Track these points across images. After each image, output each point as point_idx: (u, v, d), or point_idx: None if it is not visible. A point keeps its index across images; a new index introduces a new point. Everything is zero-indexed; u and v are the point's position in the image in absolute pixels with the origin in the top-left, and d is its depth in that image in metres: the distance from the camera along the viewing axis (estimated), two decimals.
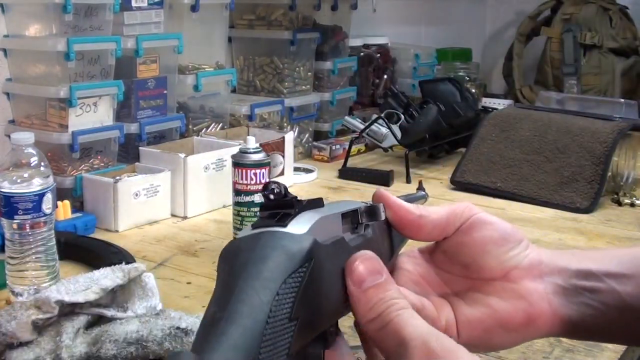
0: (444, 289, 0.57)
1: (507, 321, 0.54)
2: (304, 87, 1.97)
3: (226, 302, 0.39)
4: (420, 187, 0.79)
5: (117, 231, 1.35)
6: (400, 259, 0.58)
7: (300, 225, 0.43)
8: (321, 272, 0.43)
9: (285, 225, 0.43)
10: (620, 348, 0.90)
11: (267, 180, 0.46)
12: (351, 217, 0.51)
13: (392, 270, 0.56)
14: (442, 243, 0.57)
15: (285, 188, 0.44)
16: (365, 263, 0.46)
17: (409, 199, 0.71)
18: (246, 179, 1.25)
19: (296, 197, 0.45)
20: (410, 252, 0.59)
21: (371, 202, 0.55)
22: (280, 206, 0.44)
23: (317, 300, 0.42)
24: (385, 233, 0.56)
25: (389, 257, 0.56)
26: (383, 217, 0.53)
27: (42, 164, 1.03)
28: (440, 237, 0.56)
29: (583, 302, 0.55)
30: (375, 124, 1.81)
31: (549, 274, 0.55)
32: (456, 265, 0.56)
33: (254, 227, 0.44)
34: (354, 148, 1.93)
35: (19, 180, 1.01)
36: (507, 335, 0.55)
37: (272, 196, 0.44)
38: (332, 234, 0.46)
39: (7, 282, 1.04)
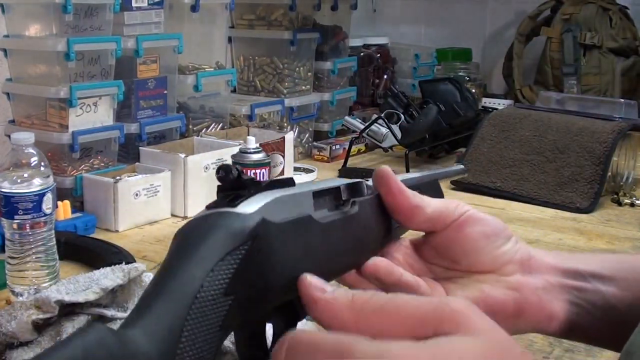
0: (430, 276, 0.58)
1: (499, 308, 0.55)
2: (304, 87, 1.97)
3: (160, 279, 0.40)
4: (459, 161, 0.80)
5: (117, 231, 1.36)
6: (391, 246, 0.59)
7: (250, 206, 0.44)
8: (269, 249, 0.43)
9: (235, 206, 0.44)
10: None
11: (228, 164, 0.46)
12: (333, 194, 0.51)
13: (384, 253, 0.57)
14: (431, 238, 0.57)
15: (239, 170, 0.45)
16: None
17: (448, 172, 0.72)
18: None
19: (253, 178, 0.46)
20: (401, 240, 0.60)
21: (369, 180, 0.56)
22: (236, 188, 0.45)
23: (263, 276, 0.43)
24: (380, 212, 0.56)
25: (382, 235, 0.57)
26: (366, 194, 0.53)
27: (42, 164, 1.03)
28: (429, 230, 0.57)
29: (570, 299, 0.56)
30: (375, 124, 1.81)
31: (538, 270, 0.56)
32: (446, 260, 0.57)
33: (207, 207, 0.44)
34: (354, 148, 1.93)
35: (19, 180, 1.01)
36: None
37: (225, 177, 0.45)
38: (295, 213, 0.46)
39: (7, 282, 1.04)
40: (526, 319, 0.55)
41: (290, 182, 0.49)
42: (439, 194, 0.69)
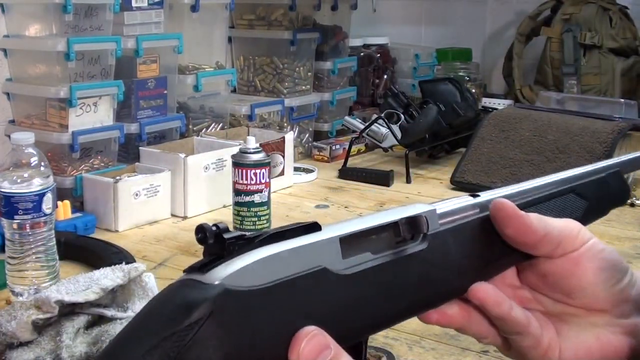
0: (539, 310, 0.51)
1: (613, 356, 0.49)
2: (304, 87, 1.97)
3: None
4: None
5: (117, 231, 1.35)
6: None
7: (223, 270, 0.38)
8: (234, 324, 0.37)
9: (204, 272, 0.38)
10: None
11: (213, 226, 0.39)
12: (392, 230, 0.44)
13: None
14: (542, 265, 0.50)
15: (220, 228, 0.39)
16: (310, 343, 0.39)
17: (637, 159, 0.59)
18: (246, 179, 1.25)
19: (242, 235, 0.39)
20: None
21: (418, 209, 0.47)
22: (220, 249, 0.39)
23: (225, 358, 0.37)
24: (483, 238, 0.48)
25: (474, 268, 0.48)
26: (425, 230, 0.45)
27: (42, 164, 1.03)
28: (546, 255, 0.49)
29: None
30: (375, 124, 1.81)
31: None
32: (557, 292, 0.51)
33: (184, 271, 0.40)
34: (354, 148, 1.93)
35: (19, 180, 1.01)
36: None
37: (204, 238, 0.39)
38: (295, 270, 0.40)
39: (7, 282, 1.04)
40: None
41: (305, 230, 0.41)
42: (614, 192, 0.56)
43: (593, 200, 0.55)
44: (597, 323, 0.50)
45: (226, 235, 0.39)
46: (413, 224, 0.44)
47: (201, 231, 0.39)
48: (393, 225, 0.44)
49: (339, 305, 0.41)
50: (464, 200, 0.49)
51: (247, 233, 0.40)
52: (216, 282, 0.37)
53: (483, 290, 0.47)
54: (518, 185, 0.52)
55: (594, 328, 0.50)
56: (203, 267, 0.38)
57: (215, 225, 0.39)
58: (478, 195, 0.50)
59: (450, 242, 0.47)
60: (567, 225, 0.49)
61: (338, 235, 0.42)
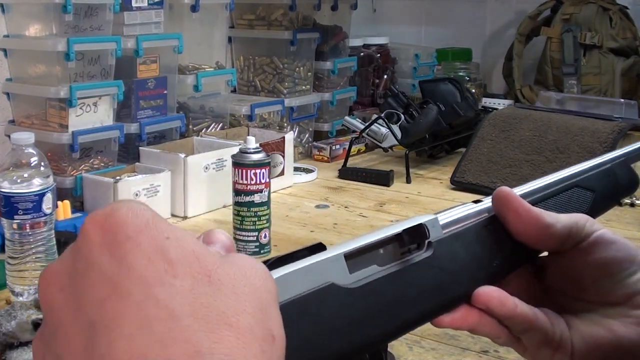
0: (552, 307, 0.50)
1: (628, 350, 0.48)
2: (304, 87, 1.97)
3: None
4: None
5: None
6: None
7: None
8: None
9: None
10: None
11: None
12: (396, 242, 0.45)
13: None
14: (555, 260, 0.50)
15: None
16: None
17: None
18: (246, 179, 1.25)
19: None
20: None
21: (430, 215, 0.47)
22: None
23: None
24: (492, 239, 0.48)
25: (484, 270, 0.48)
26: (428, 237, 0.46)
27: (42, 164, 1.03)
28: (555, 250, 0.50)
29: None
30: (375, 124, 1.81)
31: None
32: (571, 287, 0.50)
33: None
34: (354, 148, 1.93)
35: (19, 180, 1.01)
36: None
37: None
38: (308, 287, 0.40)
39: (7, 282, 1.04)
40: None
41: (310, 251, 0.41)
42: (623, 181, 0.56)
43: (600, 191, 0.55)
44: (609, 315, 0.49)
45: None
46: (415, 232, 0.45)
47: None
48: (396, 237, 0.45)
49: (351, 317, 0.42)
50: (467, 208, 0.49)
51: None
52: None
53: (485, 293, 0.47)
54: (519, 188, 0.52)
55: (606, 320, 0.49)
56: None
57: None
58: (481, 201, 0.50)
59: (457, 247, 0.47)
60: (572, 218, 0.49)
61: (342, 252, 0.43)
